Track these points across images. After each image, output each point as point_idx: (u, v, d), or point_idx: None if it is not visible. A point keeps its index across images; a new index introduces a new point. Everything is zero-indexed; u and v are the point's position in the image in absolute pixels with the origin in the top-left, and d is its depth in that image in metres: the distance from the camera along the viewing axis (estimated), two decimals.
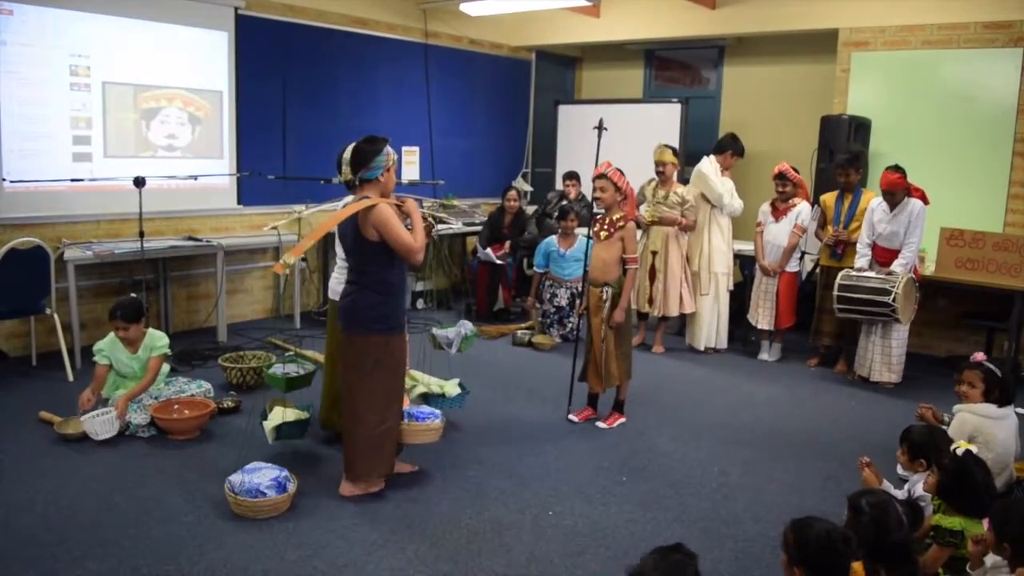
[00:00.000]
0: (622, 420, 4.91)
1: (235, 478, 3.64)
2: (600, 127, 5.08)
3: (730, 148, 6.60)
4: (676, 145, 7.95)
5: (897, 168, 5.53)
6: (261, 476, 3.63)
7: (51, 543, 3.32)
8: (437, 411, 4.28)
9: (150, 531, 3.44)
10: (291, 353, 6.17)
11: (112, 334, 4.66)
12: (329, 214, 4.24)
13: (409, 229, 3.69)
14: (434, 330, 5.14)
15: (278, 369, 4.59)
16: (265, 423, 4.15)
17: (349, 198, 4.03)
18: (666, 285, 6.44)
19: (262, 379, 5.29)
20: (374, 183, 3.73)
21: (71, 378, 5.40)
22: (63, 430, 4.40)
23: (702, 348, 6.64)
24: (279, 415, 4.16)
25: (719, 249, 6.52)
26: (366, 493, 3.84)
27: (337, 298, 4.06)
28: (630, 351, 4.92)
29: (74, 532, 3.42)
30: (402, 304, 3.91)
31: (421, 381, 4.72)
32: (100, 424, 4.32)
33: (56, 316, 5.52)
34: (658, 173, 6.36)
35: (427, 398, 4.60)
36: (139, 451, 4.30)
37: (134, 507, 3.65)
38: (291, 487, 3.68)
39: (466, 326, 5.14)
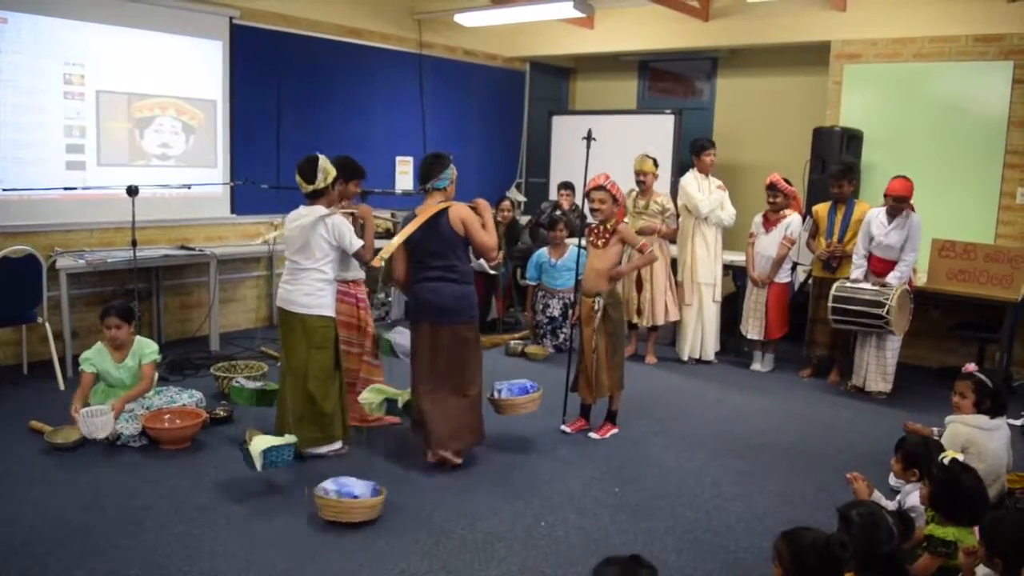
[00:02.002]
0: (615, 431, 4.91)
1: (328, 486, 3.64)
2: (588, 137, 5.09)
3: (693, 151, 6.59)
4: (669, 156, 7.99)
5: (907, 178, 5.57)
6: (352, 484, 3.67)
7: (41, 552, 3.30)
8: (535, 383, 4.70)
9: (140, 541, 3.42)
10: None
11: (99, 344, 4.65)
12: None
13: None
14: (384, 334, 4.95)
15: (244, 383, 4.52)
16: (250, 448, 3.91)
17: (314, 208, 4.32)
18: (652, 294, 6.45)
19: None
20: (442, 191, 4.30)
21: (62, 387, 5.38)
22: (54, 439, 4.38)
23: (685, 358, 6.66)
24: (263, 441, 3.96)
25: (702, 259, 6.51)
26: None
27: (291, 308, 4.25)
28: (622, 362, 4.92)
29: (64, 541, 3.40)
30: None
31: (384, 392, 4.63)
32: (97, 424, 4.29)
33: (48, 325, 5.51)
34: (638, 183, 6.38)
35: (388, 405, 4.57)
36: (130, 461, 4.28)
37: (125, 516, 3.63)
38: (382, 495, 3.70)
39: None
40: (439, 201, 4.24)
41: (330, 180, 4.29)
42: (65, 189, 5.90)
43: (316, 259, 4.26)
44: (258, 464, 3.87)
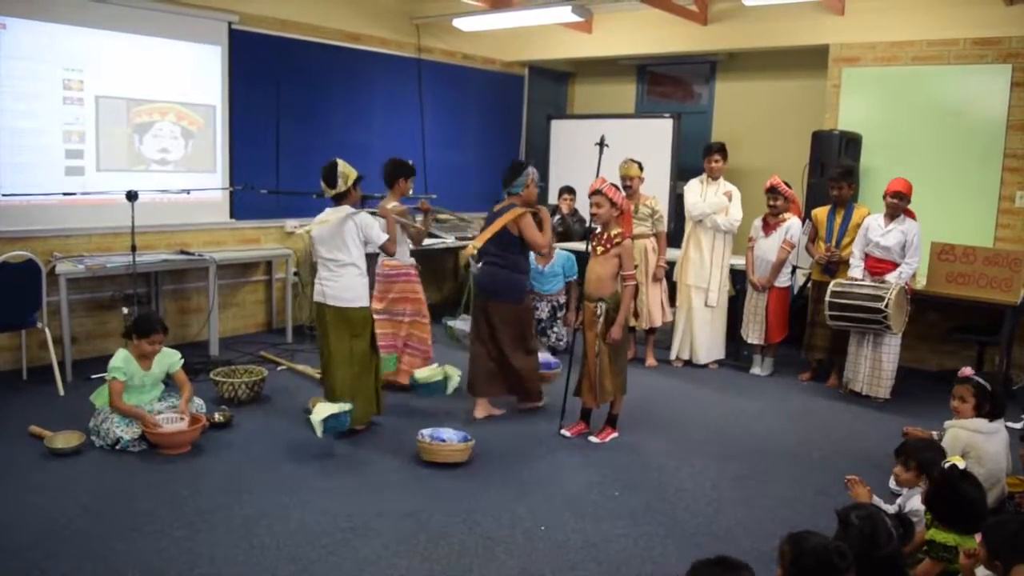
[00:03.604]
0: (615, 435, 4.91)
1: (425, 431, 4.45)
2: (601, 143, 5.19)
3: (704, 155, 6.61)
4: (668, 160, 8.03)
5: (900, 177, 5.63)
6: (446, 432, 4.51)
7: (40, 557, 3.30)
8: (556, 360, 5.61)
9: (140, 546, 3.42)
10: (283, 367, 6.18)
11: (124, 353, 4.63)
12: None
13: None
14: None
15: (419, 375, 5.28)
16: (312, 417, 4.46)
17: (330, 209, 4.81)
18: (648, 297, 6.47)
19: (254, 393, 5.35)
20: (518, 195, 5.07)
21: (62, 392, 5.37)
22: (53, 444, 4.38)
23: (672, 358, 6.69)
24: (324, 409, 4.47)
25: (693, 262, 6.53)
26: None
27: (327, 301, 4.69)
28: (625, 367, 4.92)
29: (63, 546, 3.39)
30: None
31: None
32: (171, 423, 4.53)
33: (47, 330, 5.51)
34: (625, 188, 6.38)
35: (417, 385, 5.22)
36: (130, 465, 4.27)
37: (124, 521, 3.63)
38: (471, 442, 4.44)
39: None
40: (513, 204, 5.04)
41: (351, 182, 4.71)
42: (64, 194, 5.90)
43: (351, 255, 4.69)
44: (319, 431, 4.42)
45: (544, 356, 5.58)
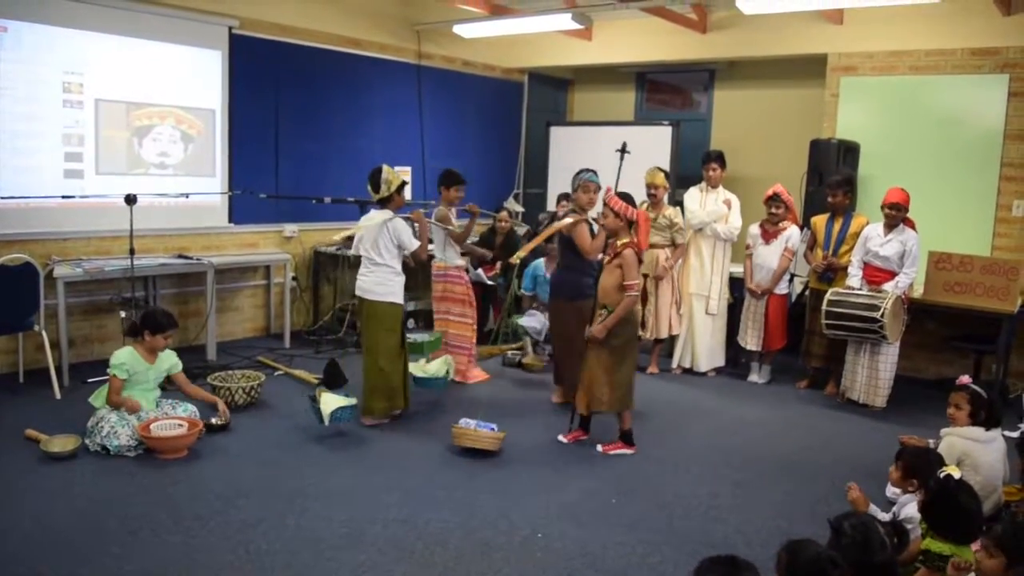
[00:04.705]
0: (625, 451, 4.82)
1: (466, 420, 4.69)
2: (623, 150, 5.26)
3: (702, 163, 6.62)
4: (667, 168, 8.03)
5: (902, 189, 5.63)
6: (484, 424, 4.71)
7: (35, 561, 3.29)
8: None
9: (136, 550, 3.41)
10: (280, 372, 6.17)
11: (129, 349, 4.66)
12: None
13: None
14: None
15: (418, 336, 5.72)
16: (321, 408, 4.73)
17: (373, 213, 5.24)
18: (657, 308, 6.48)
19: (251, 398, 5.35)
20: (573, 200, 5.46)
21: (58, 396, 5.37)
22: (49, 448, 4.37)
23: (673, 366, 6.70)
24: (332, 401, 4.78)
25: (694, 270, 6.55)
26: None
27: (366, 296, 5.09)
28: (627, 381, 4.81)
29: (58, 550, 3.39)
30: None
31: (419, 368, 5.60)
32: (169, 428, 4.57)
33: (44, 333, 5.50)
34: (649, 196, 6.40)
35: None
36: (126, 470, 4.26)
37: (120, 526, 3.62)
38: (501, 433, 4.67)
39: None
40: (573, 210, 5.39)
41: (394, 188, 5.07)
42: (63, 197, 5.90)
43: (383, 257, 5.07)
44: (326, 420, 4.71)
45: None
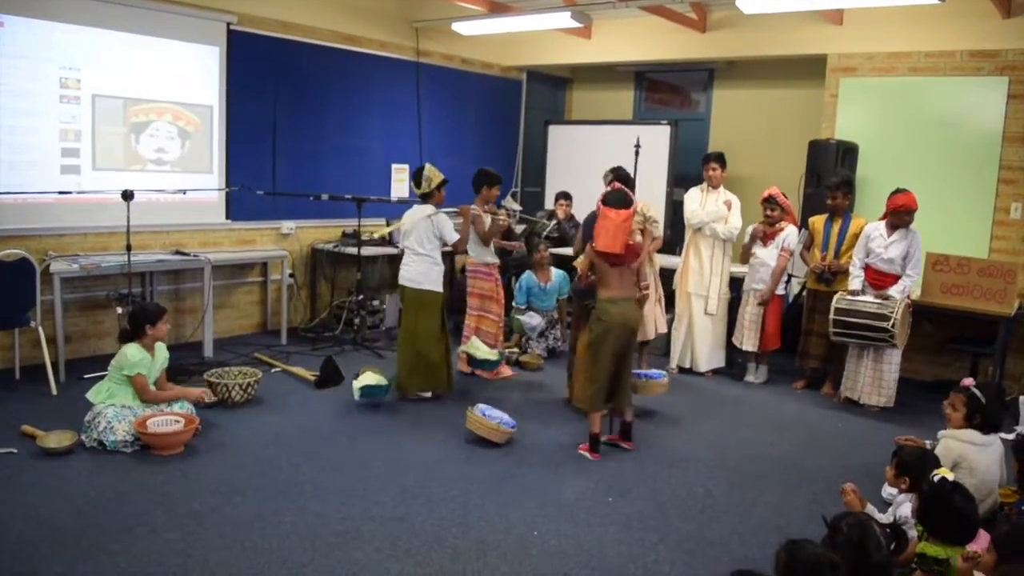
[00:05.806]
0: (586, 454, 4.70)
1: (481, 407, 4.80)
2: (637, 146, 5.41)
3: (703, 163, 6.61)
4: (665, 167, 8.04)
5: (909, 191, 5.59)
6: (499, 414, 4.80)
7: (31, 558, 3.28)
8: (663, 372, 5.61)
9: (132, 547, 3.41)
10: (277, 370, 6.17)
11: (135, 346, 4.66)
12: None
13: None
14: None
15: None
16: (354, 383, 5.25)
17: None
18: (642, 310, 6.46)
19: (247, 393, 5.34)
20: None
21: (55, 392, 5.35)
22: (45, 444, 4.36)
23: (672, 366, 6.68)
24: (367, 378, 5.23)
25: (693, 270, 6.52)
26: None
27: (408, 284, 5.52)
28: (598, 380, 4.70)
29: (55, 547, 3.38)
30: None
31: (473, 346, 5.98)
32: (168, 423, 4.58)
33: (41, 329, 5.48)
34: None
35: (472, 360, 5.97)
36: (122, 466, 4.26)
37: (116, 522, 3.62)
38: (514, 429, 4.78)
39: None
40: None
41: (435, 185, 5.51)
42: (60, 193, 5.88)
43: (425, 248, 5.49)
44: (356, 395, 5.22)
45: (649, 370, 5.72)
